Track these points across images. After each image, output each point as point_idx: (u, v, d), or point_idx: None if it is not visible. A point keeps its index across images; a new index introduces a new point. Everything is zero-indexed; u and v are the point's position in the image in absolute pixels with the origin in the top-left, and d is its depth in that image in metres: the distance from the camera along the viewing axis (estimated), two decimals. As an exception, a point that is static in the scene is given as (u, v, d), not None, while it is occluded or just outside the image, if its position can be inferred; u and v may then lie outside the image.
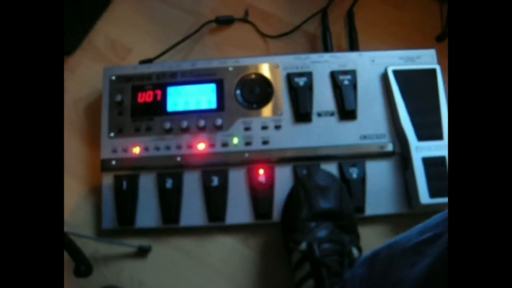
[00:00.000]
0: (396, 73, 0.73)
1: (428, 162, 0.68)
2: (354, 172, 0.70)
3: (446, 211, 0.46)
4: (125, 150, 0.72)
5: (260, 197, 0.70)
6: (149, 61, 0.82)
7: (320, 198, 0.64)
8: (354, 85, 0.74)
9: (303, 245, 0.60)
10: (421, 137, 0.69)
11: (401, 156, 0.71)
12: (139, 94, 0.75)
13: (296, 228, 0.63)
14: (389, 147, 0.71)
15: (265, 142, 0.71)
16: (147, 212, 0.71)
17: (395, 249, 0.51)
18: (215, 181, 0.70)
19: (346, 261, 0.59)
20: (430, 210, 0.59)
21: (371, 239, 0.69)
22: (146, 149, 0.72)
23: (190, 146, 0.72)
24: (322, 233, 0.61)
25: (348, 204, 0.66)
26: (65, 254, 0.60)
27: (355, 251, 0.61)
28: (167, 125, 0.72)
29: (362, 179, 0.70)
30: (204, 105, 0.74)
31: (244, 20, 0.87)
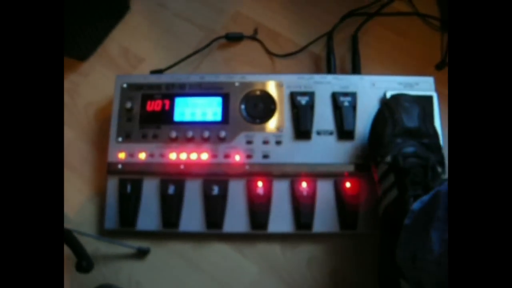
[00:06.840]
0: (395, 97, 0.76)
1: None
2: (349, 189, 0.73)
3: None
4: (131, 155, 0.76)
5: (257, 209, 0.72)
6: (159, 71, 0.86)
7: (405, 117, 0.67)
8: (354, 106, 0.77)
9: (389, 158, 0.63)
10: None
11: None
12: (148, 103, 0.78)
13: (383, 144, 0.66)
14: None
15: (265, 156, 0.74)
16: (148, 216, 0.74)
17: None
18: (216, 190, 0.73)
19: (430, 173, 0.61)
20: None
21: (365, 255, 0.72)
22: (151, 155, 0.75)
23: (193, 156, 0.75)
24: (407, 149, 0.63)
25: (432, 125, 0.69)
26: (68, 250, 0.63)
27: (439, 168, 0.63)
28: (173, 134, 0.75)
29: (356, 196, 0.73)
30: (209, 117, 0.77)
31: (253, 38, 0.91)
